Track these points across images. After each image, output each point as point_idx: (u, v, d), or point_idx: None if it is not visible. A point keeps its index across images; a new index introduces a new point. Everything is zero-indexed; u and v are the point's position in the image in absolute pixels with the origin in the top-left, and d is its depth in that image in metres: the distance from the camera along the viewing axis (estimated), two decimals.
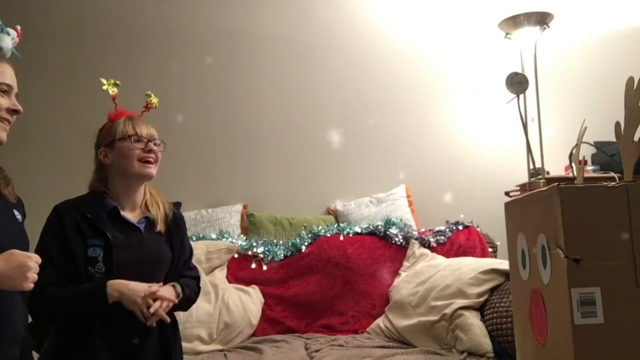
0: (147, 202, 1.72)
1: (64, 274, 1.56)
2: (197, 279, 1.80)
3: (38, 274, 1.45)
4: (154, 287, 1.57)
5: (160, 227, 1.70)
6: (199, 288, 1.80)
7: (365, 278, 2.61)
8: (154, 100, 1.83)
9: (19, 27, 1.41)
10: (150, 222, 1.71)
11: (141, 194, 1.73)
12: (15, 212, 1.39)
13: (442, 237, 2.74)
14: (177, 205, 1.84)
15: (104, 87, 1.77)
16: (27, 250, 1.37)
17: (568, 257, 0.99)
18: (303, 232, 2.81)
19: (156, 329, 1.62)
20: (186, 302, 1.71)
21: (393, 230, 2.76)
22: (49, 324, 1.63)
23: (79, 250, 1.57)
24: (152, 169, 1.69)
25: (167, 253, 1.71)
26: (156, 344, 1.62)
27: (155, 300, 1.55)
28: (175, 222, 1.77)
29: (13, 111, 1.35)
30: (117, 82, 1.80)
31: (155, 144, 1.70)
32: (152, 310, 1.53)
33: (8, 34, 1.39)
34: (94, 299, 1.52)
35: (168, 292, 1.61)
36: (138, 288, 1.55)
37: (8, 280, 1.20)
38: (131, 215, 1.70)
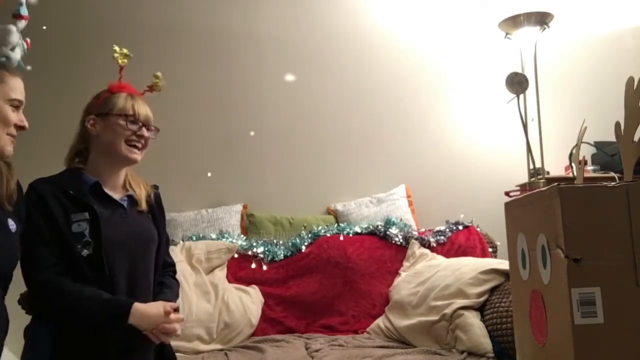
0: (130, 182, 1.68)
1: (60, 253, 1.47)
2: (174, 265, 1.80)
3: (35, 257, 1.45)
4: (167, 308, 1.54)
5: (143, 206, 1.66)
6: (177, 281, 1.79)
7: (365, 278, 2.61)
8: (160, 83, 1.78)
9: (28, 40, 1.42)
10: (132, 200, 1.66)
11: (122, 175, 1.69)
12: (10, 222, 1.34)
13: (442, 237, 2.74)
14: (155, 187, 1.81)
15: (115, 55, 1.73)
16: (14, 263, 1.36)
17: (568, 257, 0.99)
18: (303, 232, 2.80)
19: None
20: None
21: (393, 230, 2.76)
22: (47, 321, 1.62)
23: (65, 227, 1.48)
24: (138, 155, 1.64)
25: (154, 231, 1.67)
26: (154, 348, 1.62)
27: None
28: (157, 203, 1.75)
29: (19, 127, 1.38)
30: (129, 53, 1.75)
31: (149, 129, 1.67)
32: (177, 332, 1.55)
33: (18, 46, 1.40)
34: (113, 314, 1.47)
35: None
36: (153, 311, 1.52)
37: None
38: (113, 193, 1.64)
